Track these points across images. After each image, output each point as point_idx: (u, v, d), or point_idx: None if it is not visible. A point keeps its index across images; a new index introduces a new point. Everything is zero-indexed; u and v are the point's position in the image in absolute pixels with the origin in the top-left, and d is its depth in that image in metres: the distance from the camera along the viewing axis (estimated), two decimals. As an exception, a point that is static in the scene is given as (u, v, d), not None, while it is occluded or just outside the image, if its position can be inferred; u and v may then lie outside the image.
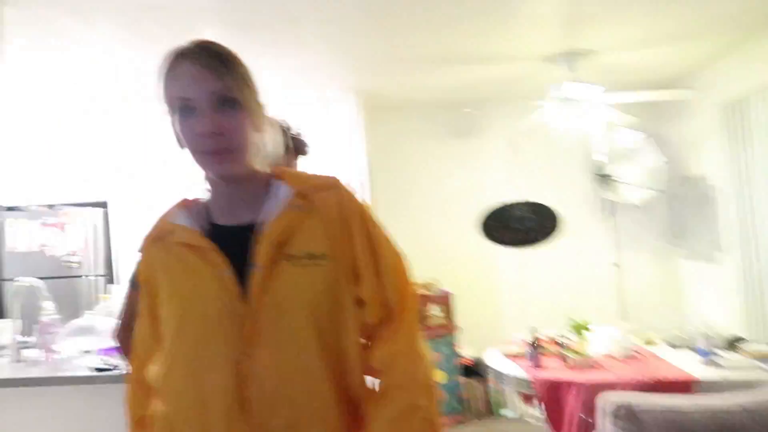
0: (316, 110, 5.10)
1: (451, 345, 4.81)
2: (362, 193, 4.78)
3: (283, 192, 1.12)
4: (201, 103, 1.04)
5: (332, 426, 1.06)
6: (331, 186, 1.15)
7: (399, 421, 1.05)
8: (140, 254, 1.20)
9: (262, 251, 1.06)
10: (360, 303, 1.12)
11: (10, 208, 4.73)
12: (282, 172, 1.18)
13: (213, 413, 1.03)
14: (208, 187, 1.17)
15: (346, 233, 1.11)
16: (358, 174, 4.81)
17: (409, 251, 4.63)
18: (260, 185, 1.14)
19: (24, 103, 4.58)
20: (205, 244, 1.09)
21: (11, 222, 4.68)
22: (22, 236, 4.67)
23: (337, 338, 1.08)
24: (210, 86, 1.04)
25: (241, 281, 1.06)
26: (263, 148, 1.16)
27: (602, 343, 3.67)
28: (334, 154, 5.02)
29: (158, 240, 1.16)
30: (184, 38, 3.36)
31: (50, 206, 4.76)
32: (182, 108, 1.06)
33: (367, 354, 1.12)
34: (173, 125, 1.11)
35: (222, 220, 1.14)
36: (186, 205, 1.19)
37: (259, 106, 1.13)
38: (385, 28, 3.46)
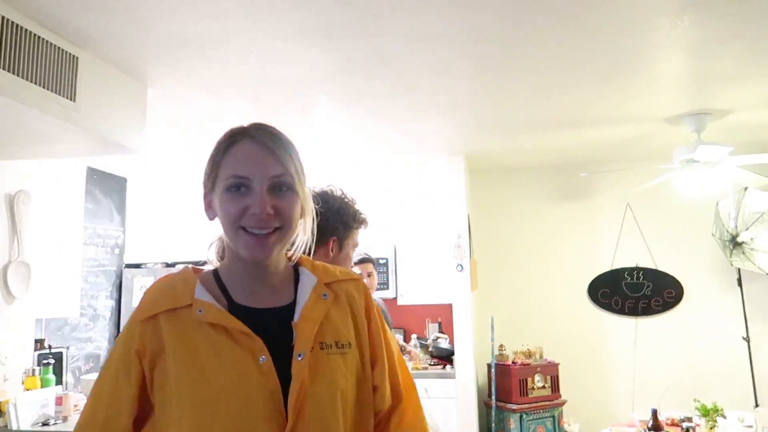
0: (421, 172, 5.14)
1: (555, 419, 4.51)
2: (464, 255, 4.71)
3: (309, 280, 1.15)
4: (258, 184, 1.06)
5: None
6: (353, 278, 1.20)
7: None
8: (141, 323, 1.07)
9: (304, 339, 1.06)
10: (374, 389, 1.15)
11: (132, 265, 5.04)
12: (305, 260, 1.19)
13: None
14: (228, 263, 1.14)
15: (366, 324, 1.16)
16: (458, 236, 4.73)
17: (511, 317, 4.45)
18: (285, 271, 1.15)
19: (157, 171, 5.00)
20: (241, 327, 1.04)
21: (132, 278, 4.99)
22: (140, 291, 4.94)
23: (358, 425, 1.10)
24: (271, 170, 1.06)
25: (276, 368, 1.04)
26: (300, 235, 1.17)
27: (734, 429, 3.30)
28: (436, 216, 5.00)
29: (172, 313, 1.07)
30: (304, 109, 3.44)
31: (169, 264, 5.03)
32: (235, 185, 1.06)
33: None
34: (211, 197, 1.12)
35: (244, 301, 1.10)
36: (200, 278, 1.12)
37: (307, 193, 1.14)
38: (496, 96, 3.46)
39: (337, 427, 1.04)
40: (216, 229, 1.20)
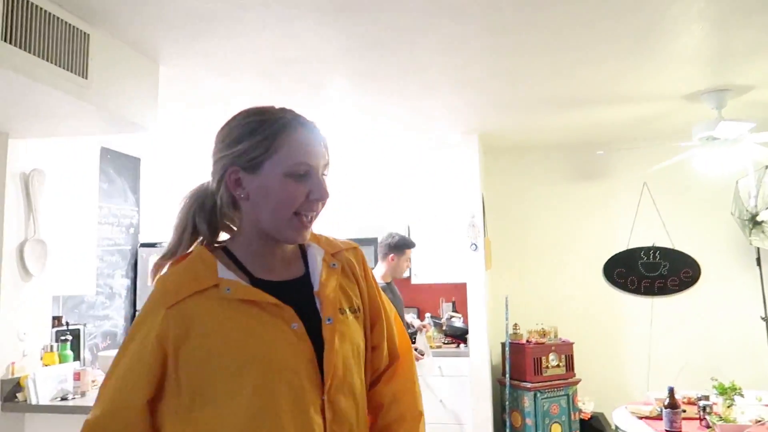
0: (435, 151, 5.09)
1: (569, 397, 4.51)
2: (478, 234, 4.68)
3: (318, 253, 1.22)
4: (316, 172, 1.13)
5: None
6: (352, 247, 1.29)
7: None
8: (166, 310, 1.07)
9: (329, 306, 1.14)
10: (373, 349, 1.25)
11: (147, 245, 5.08)
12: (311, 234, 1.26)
13: None
14: (246, 241, 1.16)
15: (366, 288, 1.25)
16: (472, 215, 4.69)
17: (526, 296, 4.42)
18: (293, 246, 1.21)
19: (170, 150, 5.00)
20: (270, 299, 1.10)
21: (147, 257, 5.01)
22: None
23: (365, 381, 1.21)
24: (324, 159, 1.16)
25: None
26: None
27: (752, 408, 3.26)
28: (450, 195, 4.96)
29: (199, 295, 1.08)
30: (316, 88, 3.39)
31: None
32: (302, 172, 1.11)
33: (372, 390, 1.24)
34: (248, 176, 1.11)
35: (261, 275, 1.15)
36: (217, 257, 1.15)
37: None
38: (511, 73, 3.40)
39: (361, 386, 1.16)
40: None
